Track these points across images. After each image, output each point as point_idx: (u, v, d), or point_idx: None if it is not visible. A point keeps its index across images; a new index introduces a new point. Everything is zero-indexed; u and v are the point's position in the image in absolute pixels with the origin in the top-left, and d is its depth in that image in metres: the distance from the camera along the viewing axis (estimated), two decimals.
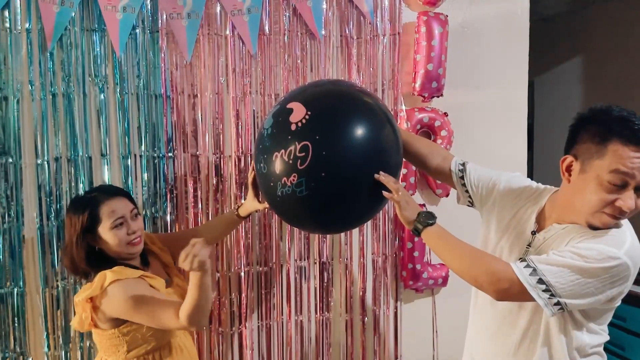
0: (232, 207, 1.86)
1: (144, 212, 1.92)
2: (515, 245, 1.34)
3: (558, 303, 1.15)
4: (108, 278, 1.43)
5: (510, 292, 1.18)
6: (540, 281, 1.14)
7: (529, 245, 1.30)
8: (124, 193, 1.58)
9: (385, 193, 1.36)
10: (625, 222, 1.23)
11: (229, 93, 1.97)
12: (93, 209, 1.48)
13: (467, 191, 1.50)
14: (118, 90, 1.88)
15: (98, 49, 1.86)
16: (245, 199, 1.80)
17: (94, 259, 1.49)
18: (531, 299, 1.16)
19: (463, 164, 1.51)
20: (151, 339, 1.49)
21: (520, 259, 1.22)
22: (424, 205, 2.13)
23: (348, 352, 2.15)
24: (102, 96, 1.88)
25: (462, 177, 1.50)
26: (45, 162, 1.84)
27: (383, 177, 1.36)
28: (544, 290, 1.14)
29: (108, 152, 1.90)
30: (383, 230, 2.13)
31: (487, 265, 1.22)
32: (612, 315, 1.30)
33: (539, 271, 1.15)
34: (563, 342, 1.25)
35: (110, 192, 1.55)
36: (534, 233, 1.31)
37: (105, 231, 1.48)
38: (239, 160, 2.00)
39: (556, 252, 1.18)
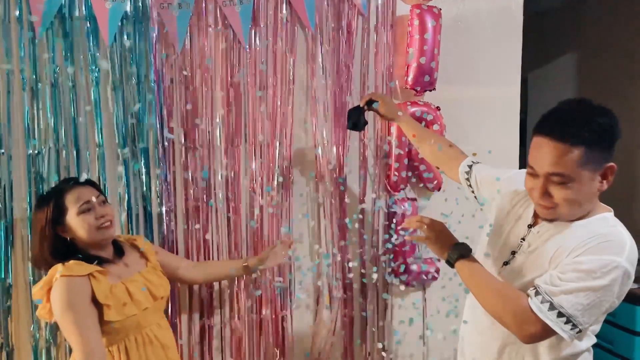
0: (243, 258, 1.93)
1: (137, 204, 1.91)
2: (510, 239, 1.35)
3: (580, 330, 1.16)
4: (58, 271, 1.44)
5: (536, 333, 1.18)
6: (560, 314, 1.13)
7: (523, 239, 1.31)
8: (88, 182, 1.60)
9: (417, 237, 1.37)
10: (620, 224, 1.23)
11: (220, 84, 1.95)
12: (58, 199, 1.50)
13: (473, 192, 1.55)
14: (109, 80, 1.86)
15: (87, 38, 1.84)
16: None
17: (62, 251, 1.49)
18: (554, 333, 1.16)
19: (470, 166, 1.56)
20: (114, 329, 1.47)
21: (535, 290, 1.19)
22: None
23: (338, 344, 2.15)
24: (92, 86, 1.85)
25: (467, 179, 1.55)
26: (36, 153, 1.82)
27: (407, 223, 1.39)
28: (565, 323, 1.14)
29: (100, 142, 1.88)
30: (373, 223, 2.13)
31: (514, 307, 1.20)
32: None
33: (555, 304, 1.14)
34: (552, 345, 1.26)
35: (75, 181, 1.57)
36: (530, 227, 1.31)
37: (73, 218, 1.49)
38: (227, 152, 1.98)
39: (561, 276, 1.16)
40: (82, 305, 1.42)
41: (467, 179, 1.56)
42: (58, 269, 1.45)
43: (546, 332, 1.16)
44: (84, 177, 1.65)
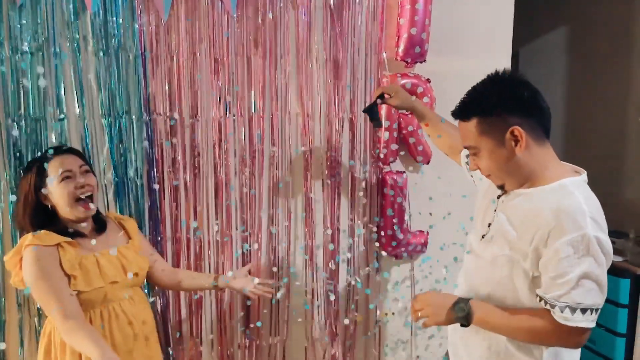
0: (214, 275, 1.84)
1: (118, 175, 1.89)
2: (488, 213, 1.38)
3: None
4: (26, 240, 1.46)
5: (580, 339, 1.20)
6: (584, 310, 1.16)
7: (495, 210, 1.34)
8: (73, 150, 1.59)
9: (423, 324, 1.35)
10: (579, 186, 1.23)
11: (207, 54, 1.92)
12: (41, 166, 1.50)
13: (471, 176, 1.59)
14: (91, 50, 1.82)
15: (70, 6, 1.79)
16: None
17: (42, 218, 1.50)
18: (591, 329, 1.19)
19: None
20: (81, 300, 1.47)
21: (548, 304, 1.20)
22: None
23: (327, 318, 2.17)
24: (76, 56, 1.81)
25: (467, 163, 1.57)
26: (15, 124, 1.78)
27: (413, 318, 1.37)
28: (591, 314, 1.17)
29: (83, 113, 1.84)
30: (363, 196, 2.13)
31: (546, 334, 1.22)
32: None
33: (573, 304, 1.16)
34: None
35: (59, 149, 1.56)
36: (499, 197, 1.35)
37: (54, 186, 1.49)
38: (219, 124, 1.96)
39: (553, 276, 1.17)
40: (53, 272, 1.43)
41: (467, 163, 1.58)
42: (27, 238, 1.46)
43: (585, 332, 1.19)
44: (69, 145, 1.64)
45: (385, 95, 1.76)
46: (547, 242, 1.18)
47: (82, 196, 1.51)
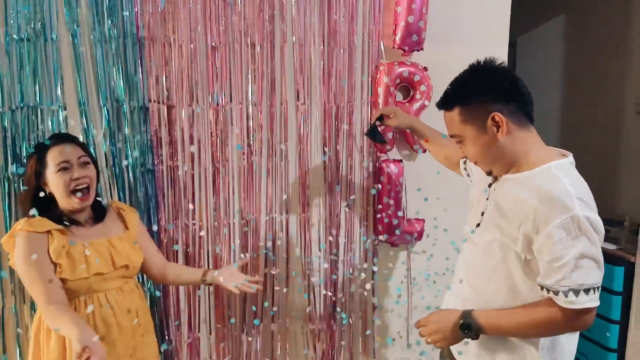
0: (202, 271, 1.75)
1: (116, 163, 1.89)
2: (481, 203, 1.40)
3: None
4: (19, 225, 1.49)
5: (588, 319, 1.22)
6: (587, 290, 1.17)
7: (487, 198, 1.37)
8: (75, 140, 1.60)
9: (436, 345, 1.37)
10: (564, 168, 1.24)
11: (205, 41, 1.92)
12: (41, 153, 1.52)
13: (471, 180, 1.61)
14: (89, 35, 1.82)
15: None
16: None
17: (40, 202, 1.52)
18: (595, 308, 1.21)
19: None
20: (66, 288, 1.49)
21: (551, 292, 1.21)
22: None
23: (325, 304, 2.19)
24: (73, 41, 1.81)
25: (465, 169, 1.63)
26: (10, 112, 1.78)
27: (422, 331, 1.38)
28: (594, 293, 1.19)
29: (81, 100, 1.84)
30: (360, 184, 2.14)
31: (556, 323, 1.23)
32: None
33: (575, 286, 1.17)
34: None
35: (60, 138, 1.58)
36: (490, 185, 1.37)
37: (51, 175, 1.51)
38: (216, 112, 1.96)
39: (550, 260, 1.19)
40: (41, 258, 1.46)
41: (465, 169, 1.63)
42: (20, 223, 1.49)
43: (592, 311, 1.21)
44: (73, 134, 1.65)
45: (384, 117, 1.81)
46: (537, 229, 1.19)
47: (77, 188, 1.52)
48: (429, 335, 1.36)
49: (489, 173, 1.35)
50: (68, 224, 1.53)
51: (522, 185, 1.25)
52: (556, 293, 1.19)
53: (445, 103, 1.34)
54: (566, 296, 1.18)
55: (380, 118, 1.82)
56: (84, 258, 1.51)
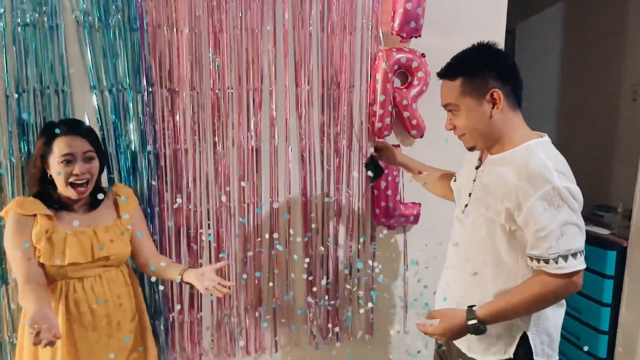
0: (182, 269, 1.72)
1: (119, 148, 1.93)
2: (468, 183, 1.48)
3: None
4: (10, 206, 1.56)
5: (578, 282, 1.28)
6: (574, 254, 1.24)
7: (474, 180, 1.44)
8: (84, 131, 1.61)
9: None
10: (542, 146, 1.32)
11: (205, 28, 1.94)
12: (49, 139, 1.55)
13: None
14: (90, 21, 1.84)
15: None
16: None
17: (42, 181, 1.59)
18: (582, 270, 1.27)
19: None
20: (45, 271, 1.56)
21: (540, 261, 1.27)
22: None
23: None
24: (77, 28, 1.84)
25: (455, 181, 1.65)
26: (16, 95, 1.81)
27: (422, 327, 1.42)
28: (580, 255, 1.26)
29: (84, 85, 1.88)
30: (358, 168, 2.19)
31: (548, 294, 1.29)
32: None
33: (563, 251, 1.24)
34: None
35: (71, 128, 1.58)
36: (477, 168, 1.45)
37: (54, 163, 1.55)
38: (217, 98, 2.00)
39: (534, 229, 1.25)
40: (25, 239, 1.52)
41: (455, 181, 1.66)
42: (13, 202, 1.57)
43: (580, 273, 1.28)
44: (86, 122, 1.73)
45: (380, 149, 1.93)
46: (519, 204, 1.26)
47: (76, 182, 1.56)
48: (438, 336, 1.41)
49: (471, 149, 1.42)
50: (58, 206, 1.59)
51: (505, 162, 1.33)
52: (546, 261, 1.26)
53: (449, 73, 1.40)
54: (556, 262, 1.25)
55: (376, 149, 1.95)
56: (63, 246, 1.55)
